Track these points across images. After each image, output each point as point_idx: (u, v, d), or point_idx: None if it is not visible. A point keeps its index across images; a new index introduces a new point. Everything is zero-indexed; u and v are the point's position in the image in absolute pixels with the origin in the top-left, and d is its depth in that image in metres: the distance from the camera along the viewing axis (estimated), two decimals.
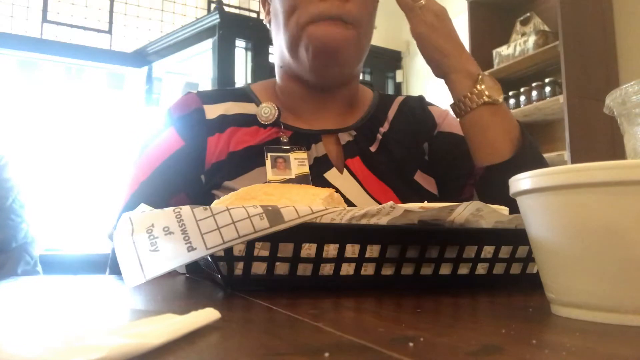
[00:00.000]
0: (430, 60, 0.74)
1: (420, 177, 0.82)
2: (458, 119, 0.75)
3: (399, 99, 0.91)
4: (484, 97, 0.70)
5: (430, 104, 0.91)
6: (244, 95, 0.84)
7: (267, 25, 0.85)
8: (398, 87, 3.79)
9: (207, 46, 2.93)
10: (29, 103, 3.02)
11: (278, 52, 0.82)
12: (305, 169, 0.76)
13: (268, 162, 0.75)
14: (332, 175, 0.77)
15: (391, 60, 3.80)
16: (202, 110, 0.80)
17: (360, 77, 0.89)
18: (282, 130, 0.79)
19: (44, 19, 3.02)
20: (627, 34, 2.52)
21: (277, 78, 0.86)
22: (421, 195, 0.79)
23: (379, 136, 0.83)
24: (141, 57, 3.19)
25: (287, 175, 0.74)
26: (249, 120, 0.79)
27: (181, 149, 0.77)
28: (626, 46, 2.51)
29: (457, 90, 0.72)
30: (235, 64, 2.87)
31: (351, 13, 0.73)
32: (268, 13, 0.84)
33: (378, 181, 0.78)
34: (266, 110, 0.79)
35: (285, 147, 0.77)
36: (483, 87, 0.71)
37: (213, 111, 0.80)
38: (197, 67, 3.11)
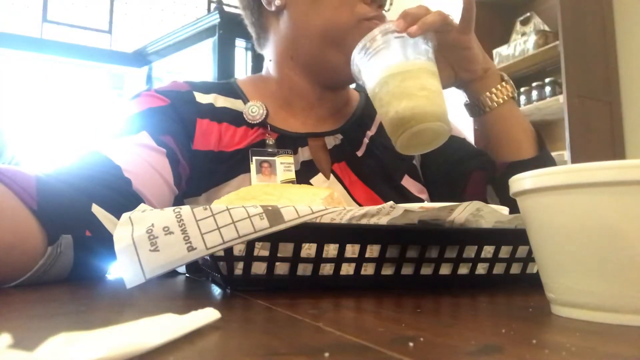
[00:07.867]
0: (472, 57, 0.70)
1: (407, 182, 0.80)
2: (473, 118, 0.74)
3: None
4: (510, 92, 0.71)
5: None
6: (231, 90, 0.80)
7: (271, 8, 0.77)
8: None
9: (207, 46, 2.93)
10: (29, 103, 3.01)
11: (293, 40, 0.76)
12: (291, 175, 0.73)
13: (253, 166, 0.72)
14: (318, 180, 0.75)
15: None
16: (192, 94, 0.76)
17: None
18: (268, 132, 0.76)
19: (44, 19, 3.02)
20: (627, 34, 2.52)
21: (276, 70, 0.80)
22: (408, 200, 0.76)
23: (366, 140, 0.81)
24: (141, 57, 3.19)
25: (272, 181, 0.71)
26: (238, 118, 0.76)
27: (165, 106, 0.71)
28: (626, 46, 2.51)
29: (486, 84, 0.72)
30: (235, 64, 2.87)
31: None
32: None
33: (364, 187, 0.76)
34: (254, 110, 0.75)
35: (271, 150, 0.74)
36: (508, 83, 0.72)
37: (203, 98, 0.76)
38: (197, 67, 3.11)
